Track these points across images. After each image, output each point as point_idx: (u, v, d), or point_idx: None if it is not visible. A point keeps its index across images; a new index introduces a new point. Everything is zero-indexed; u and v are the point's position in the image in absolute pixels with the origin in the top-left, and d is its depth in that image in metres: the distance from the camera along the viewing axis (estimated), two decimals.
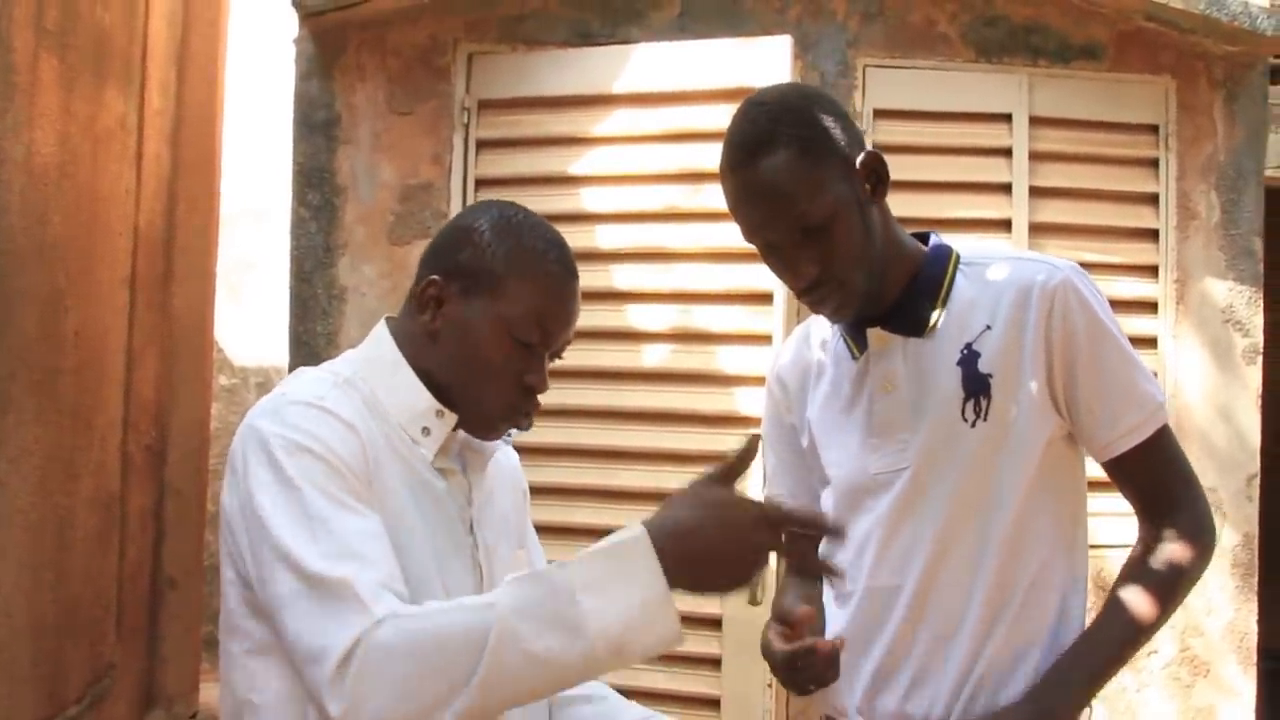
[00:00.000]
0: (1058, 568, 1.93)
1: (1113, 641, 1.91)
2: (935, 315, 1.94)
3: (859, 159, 1.88)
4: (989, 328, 1.90)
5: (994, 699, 1.89)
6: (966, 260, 1.99)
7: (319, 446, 1.56)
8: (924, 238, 2.03)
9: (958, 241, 2.04)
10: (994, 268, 1.96)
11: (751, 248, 1.94)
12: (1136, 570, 1.93)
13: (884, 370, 1.96)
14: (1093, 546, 2.03)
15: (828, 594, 2.12)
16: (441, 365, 1.72)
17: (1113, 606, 1.92)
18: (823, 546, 2.10)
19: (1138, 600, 1.90)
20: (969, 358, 1.91)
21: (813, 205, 1.81)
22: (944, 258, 1.99)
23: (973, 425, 1.89)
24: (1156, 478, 1.96)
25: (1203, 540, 1.94)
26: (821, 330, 2.13)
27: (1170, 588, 1.92)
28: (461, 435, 1.78)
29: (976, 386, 1.90)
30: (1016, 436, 1.89)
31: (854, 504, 2.01)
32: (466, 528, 1.77)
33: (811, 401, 2.10)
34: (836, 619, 2.07)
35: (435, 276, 1.70)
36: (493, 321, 1.70)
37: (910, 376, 1.94)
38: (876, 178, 1.90)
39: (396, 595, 1.49)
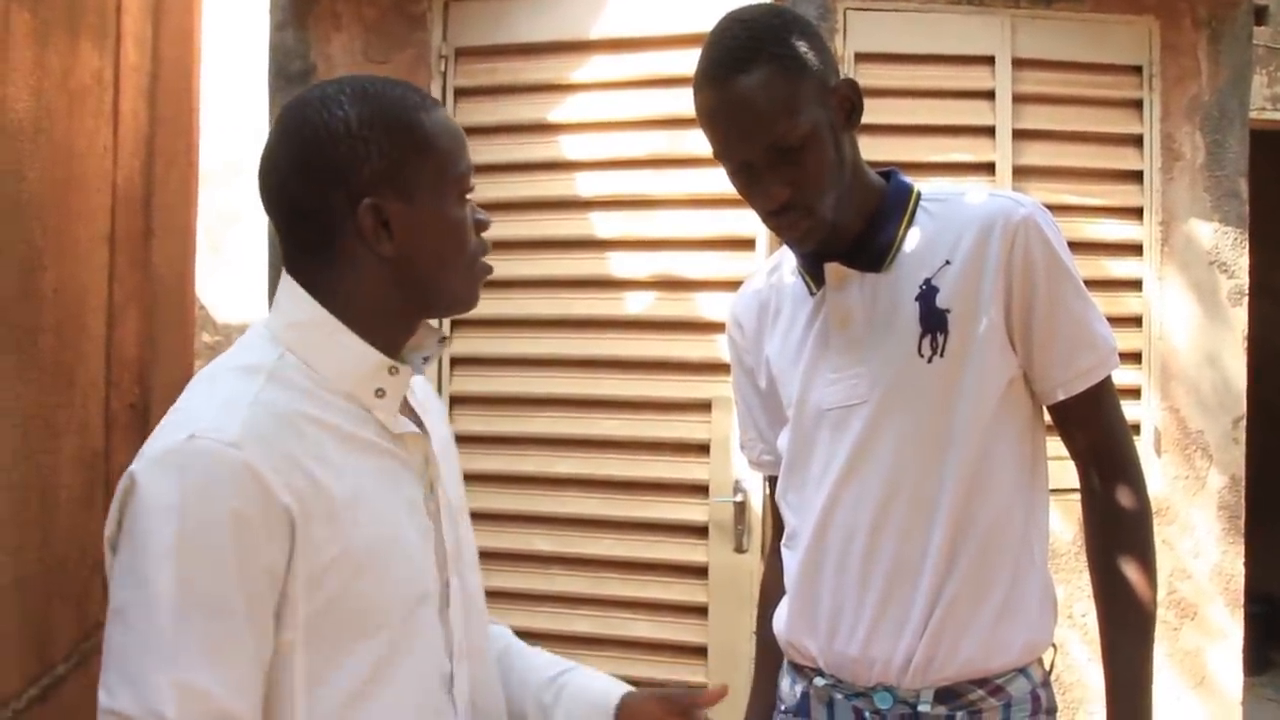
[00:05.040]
0: (1017, 510, 1.92)
1: (1142, 655, 1.92)
2: (894, 250, 1.92)
3: (834, 86, 1.86)
4: (948, 263, 1.89)
5: (956, 644, 1.87)
6: (928, 197, 1.97)
7: (216, 540, 1.39)
8: (886, 175, 2.00)
9: (922, 182, 2.02)
10: (956, 204, 1.94)
11: (734, 193, 1.92)
12: (1120, 560, 1.93)
13: (841, 304, 1.94)
14: (1059, 490, 2.02)
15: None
16: (408, 279, 1.59)
17: (1121, 618, 1.93)
18: (780, 484, 2.10)
19: (1139, 599, 1.91)
20: (927, 293, 1.88)
21: (789, 125, 1.78)
22: (905, 193, 1.97)
23: (929, 361, 1.88)
24: (1103, 426, 1.96)
25: (1146, 497, 1.95)
26: (777, 270, 2.12)
27: (1152, 564, 1.94)
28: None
29: (934, 322, 1.88)
30: (974, 374, 1.87)
31: (809, 440, 1.99)
32: (429, 490, 1.66)
33: (769, 340, 2.09)
34: (790, 560, 2.06)
35: (368, 200, 1.54)
36: (442, 203, 1.59)
37: (867, 311, 1.92)
38: (850, 106, 1.88)
39: None
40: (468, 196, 1.65)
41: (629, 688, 1.82)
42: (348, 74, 1.65)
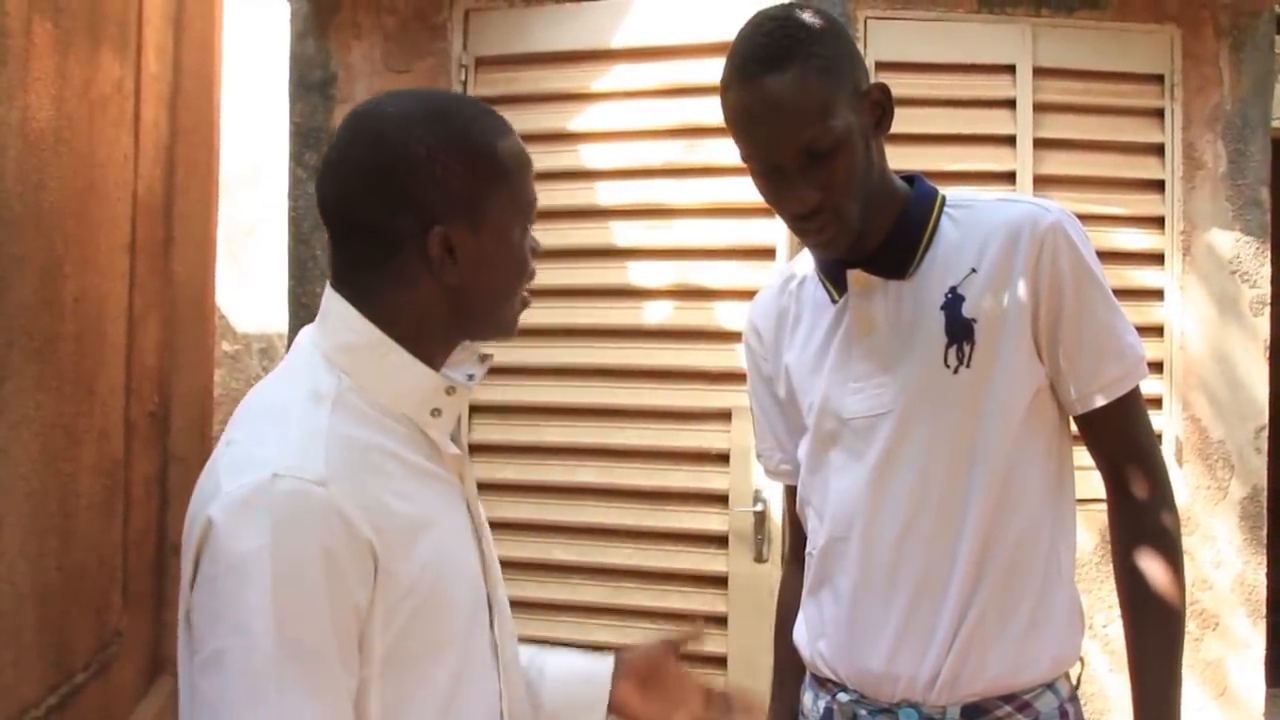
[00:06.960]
0: (1045, 522, 1.89)
1: (1170, 669, 1.89)
2: (918, 257, 1.88)
3: (866, 90, 1.83)
4: (974, 271, 1.85)
5: (983, 659, 1.84)
6: (953, 203, 1.93)
7: (310, 580, 1.34)
8: (909, 180, 1.97)
9: (945, 189, 1.98)
10: (981, 210, 1.90)
11: (754, 202, 1.89)
12: (1148, 572, 1.89)
13: (864, 312, 1.90)
14: (1081, 501, 2.00)
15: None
16: (462, 305, 1.55)
17: (1149, 631, 1.90)
18: (800, 494, 2.07)
19: (1168, 611, 1.89)
20: (953, 301, 1.85)
21: (823, 128, 1.74)
22: (929, 199, 1.93)
23: (955, 372, 1.84)
24: (1131, 437, 1.92)
25: (1174, 508, 1.93)
26: (795, 277, 2.08)
27: (1180, 576, 1.90)
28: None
29: (960, 331, 1.84)
30: (1001, 384, 1.84)
31: (831, 449, 1.96)
32: (467, 506, 1.64)
33: (788, 348, 2.05)
34: (811, 573, 2.03)
35: (439, 228, 1.49)
36: (508, 233, 1.55)
37: (891, 319, 1.89)
38: (881, 111, 1.84)
39: None
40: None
41: (611, 657, 1.82)
42: (420, 88, 1.61)
